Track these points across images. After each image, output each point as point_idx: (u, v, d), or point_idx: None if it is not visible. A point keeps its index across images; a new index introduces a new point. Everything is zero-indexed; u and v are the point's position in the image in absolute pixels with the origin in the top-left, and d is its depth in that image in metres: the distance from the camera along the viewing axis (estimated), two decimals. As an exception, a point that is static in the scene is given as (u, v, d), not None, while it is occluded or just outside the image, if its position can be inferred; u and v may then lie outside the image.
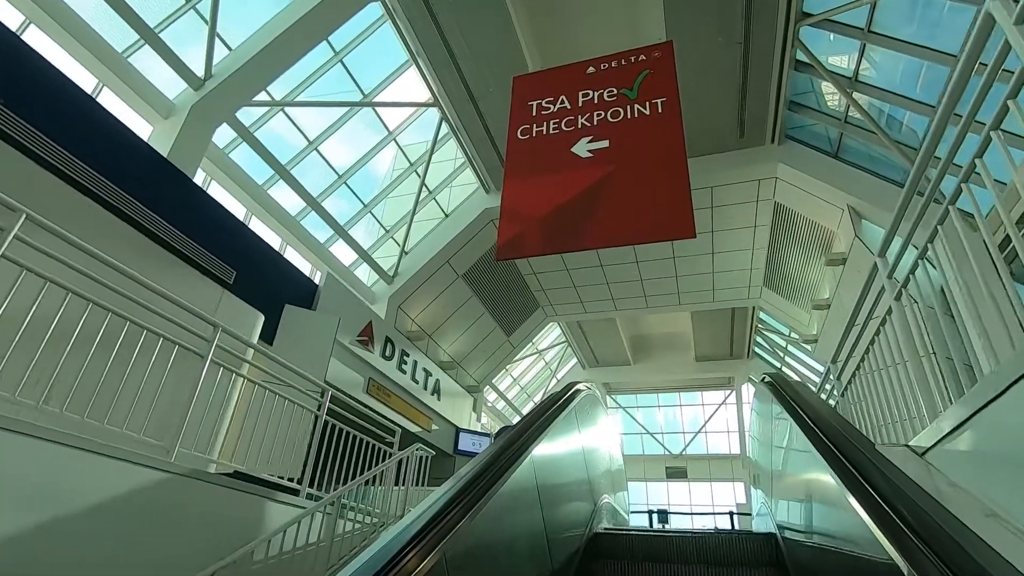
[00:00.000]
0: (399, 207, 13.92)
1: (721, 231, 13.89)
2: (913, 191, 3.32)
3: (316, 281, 7.57)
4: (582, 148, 5.85)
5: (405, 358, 9.26)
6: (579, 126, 6.04)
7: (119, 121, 5.34)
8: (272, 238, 10.70)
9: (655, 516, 11.83)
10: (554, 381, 23.98)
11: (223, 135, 9.51)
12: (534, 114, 6.40)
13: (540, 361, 22.90)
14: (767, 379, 3.73)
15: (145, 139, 8.15)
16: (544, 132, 6.19)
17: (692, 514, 21.09)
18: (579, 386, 3.65)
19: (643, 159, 5.64)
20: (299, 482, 4.27)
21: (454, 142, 12.97)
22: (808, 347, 16.23)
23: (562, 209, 5.57)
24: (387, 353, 8.79)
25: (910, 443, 2.56)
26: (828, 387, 6.44)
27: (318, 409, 4.70)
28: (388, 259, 13.54)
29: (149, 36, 7.88)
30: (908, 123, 9.56)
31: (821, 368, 17.79)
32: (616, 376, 24.69)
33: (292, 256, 11.18)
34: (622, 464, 4.03)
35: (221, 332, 3.73)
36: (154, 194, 5.21)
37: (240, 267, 5.96)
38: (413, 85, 11.47)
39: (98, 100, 7.56)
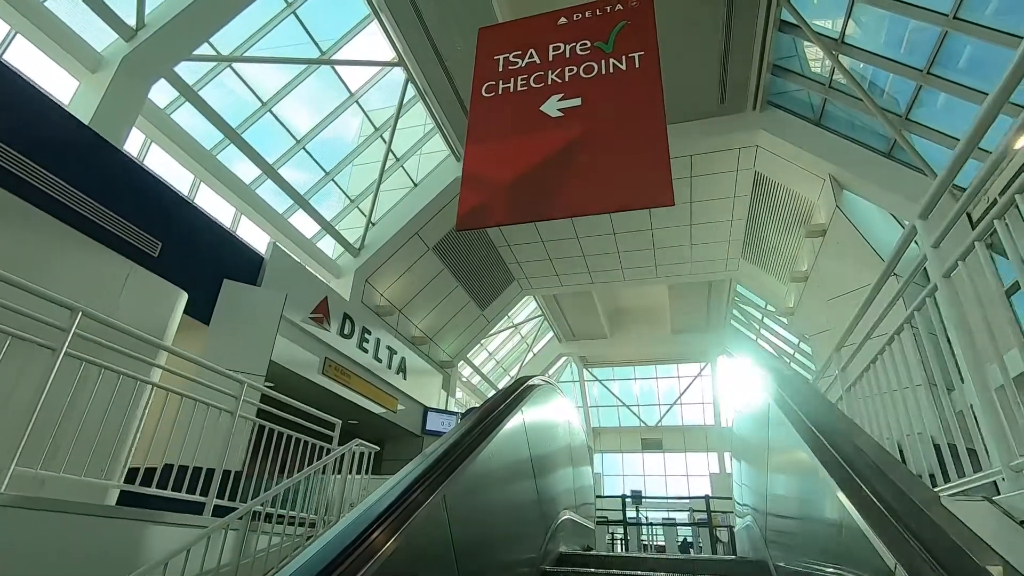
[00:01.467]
0: (365, 176, 13.20)
1: (699, 202, 13.52)
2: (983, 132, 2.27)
3: (262, 254, 6.91)
4: (552, 107, 5.31)
5: (367, 336, 8.72)
6: (549, 82, 5.48)
7: (8, 69, 4.58)
8: (225, 209, 9.97)
9: (628, 501, 11.56)
10: (530, 355, 23.74)
11: (164, 93, 8.69)
12: (500, 70, 5.81)
13: (516, 335, 22.59)
14: (766, 375, 2.85)
15: (68, 96, 7.36)
16: (511, 89, 5.62)
17: (667, 505, 21.21)
18: (533, 380, 3.04)
19: (618, 119, 5.14)
20: (206, 495, 3.55)
21: (422, 106, 12.24)
22: (784, 320, 16.16)
23: (529, 174, 5.06)
24: (346, 331, 8.23)
25: (994, 498, 1.90)
26: (826, 377, 5.98)
27: (250, 408, 4.04)
28: (354, 231, 12.87)
29: (69, -22, 7.00)
30: (890, 91, 9.21)
31: (795, 339, 17.82)
32: (593, 349, 24.55)
33: (249, 229, 10.47)
34: (589, 472, 3.48)
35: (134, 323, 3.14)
36: (56, 157, 4.50)
37: (168, 239, 5.30)
38: (376, 43, 10.66)
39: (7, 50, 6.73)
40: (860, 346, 4.22)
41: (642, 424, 27.31)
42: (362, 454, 4.53)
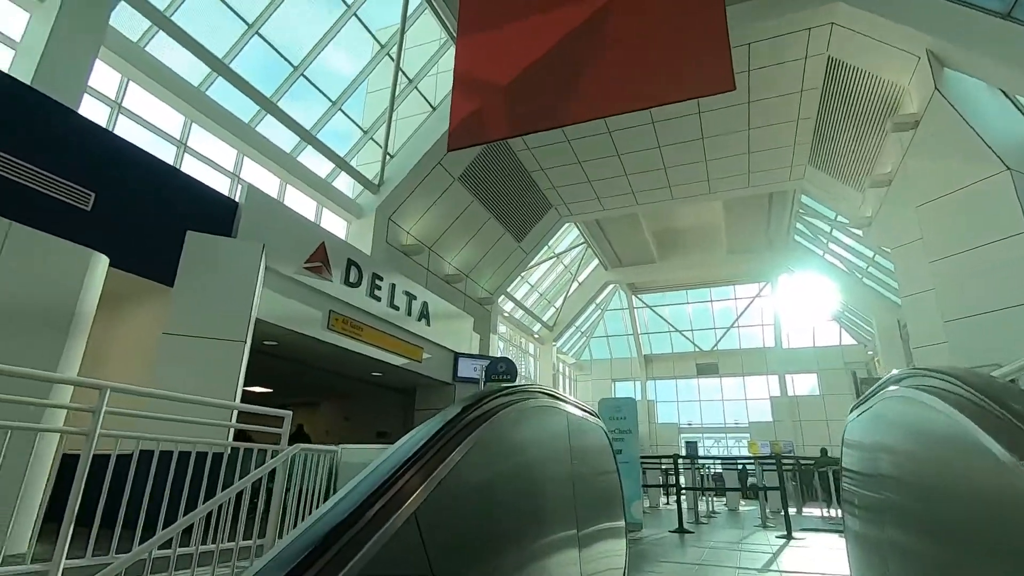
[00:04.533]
0: (377, 105, 12.01)
1: (759, 101, 11.64)
2: None
3: (237, 200, 6.02)
4: (566, -28, 3.97)
5: (378, 283, 7.91)
6: (561, -61, 4.10)
7: None
8: (223, 151, 9.12)
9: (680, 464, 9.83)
10: (575, 285, 22.74)
11: (135, 24, 7.67)
12: (498, -68, 4.44)
13: (559, 265, 21.53)
14: (943, 385, 1.58)
15: (19, 32, 6.47)
16: (512, -44, 4.28)
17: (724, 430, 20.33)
18: (492, 401, 1.62)
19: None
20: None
21: (431, 16, 10.74)
22: (858, 231, 14.34)
23: (546, 66, 3.84)
24: (351, 279, 7.42)
25: None
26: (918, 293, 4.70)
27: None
28: (372, 166, 11.88)
29: None
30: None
31: (869, 252, 15.96)
32: (641, 275, 23.26)
33: (253, 172, 9.64)
34: (613, 482, 2.37)
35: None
36: None
37: (105, 189, 4.45)
38: (368, -60, 9.15)
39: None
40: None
41: (696, 349, 26.26)
42: (306, 458, 3.56)
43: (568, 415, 2.08)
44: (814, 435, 22.09)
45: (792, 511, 9.11)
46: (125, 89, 7.62)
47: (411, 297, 8.73)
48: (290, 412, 3.40)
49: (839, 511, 9.58)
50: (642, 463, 9.78)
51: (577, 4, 3.91)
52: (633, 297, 25.94)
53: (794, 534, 6.94)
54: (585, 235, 19.81)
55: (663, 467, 12.80)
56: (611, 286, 24.78)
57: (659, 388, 26.78)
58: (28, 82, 5.71)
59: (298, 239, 6.66)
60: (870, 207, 12.17)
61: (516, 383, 9.20)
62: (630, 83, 3.67)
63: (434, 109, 12.03)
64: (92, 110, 6.92)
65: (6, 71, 5.91)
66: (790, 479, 11.98)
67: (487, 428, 1.59)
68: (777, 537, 6.88)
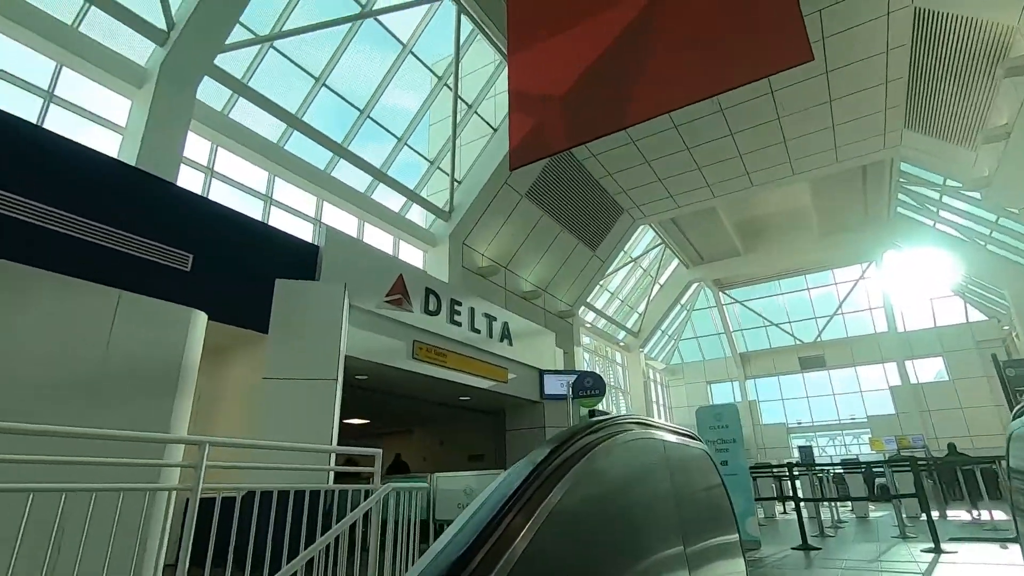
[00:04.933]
0: (441, 135, 12.32)
1: (839, 69, 10.75)
2: None
3: (317, 243, 6.31)
4: (613, -29, 3.82)
5: (457, 308, 7.99)
6: (604, -62, 3.97)
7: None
8: (303, 200, 9.67)
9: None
10: (657, 288, 21.98)
11: (217, 95, 8.35)
12: (539, -56, 4.38)
13: (638, 269, 20.94)
14: None
15: (124, 115, 7.22)
16: (556, -35, 4.19)
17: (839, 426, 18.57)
18: (582, 439, 1.38)
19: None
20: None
21: (483, 40, 10.92)
22: (975, 194, 12.79)
23: (596, 73, 3.70)
24: (431, 308, 7.53)
25: None
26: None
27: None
28: (441, 195, 12.17)
29: (90, -6, 6.67)
30: None
31: (991, 216, 14.17)
32: (726, 270, 22.10)
33: (333, 215, 10.15)
34: (721, 498, 2.12)
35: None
36: (74, 194, 4.08)
37: (201, 250, 4.81)
38: (416, -21, 9.46)
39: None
40: None
41: (797, 342, 24.45)
42: (399, 494, 3.47)
43: (665, 443, 1.90)
44: (947, 426, 19.73)
45: (934, 515, 8.07)
46: (215, 155, 8.29)
47: (491, 319, 8.76)
48: (379, 450, 3.42)
49: (991, 514, 8.39)
50: (753, 473, 9.11)
51: (629, 3, 3.75)
52: (720, 293, 24.68)
53: (943, 546, 6.10)
54: (662, 235, 19.15)
55: (775, 474, 11.88)
56: (695, 285, 23.73)
57: (760, 387, 25.14)
58: (134, 162, 6.35)
59: (377, 274, 6.88)
60: (986, 165, 10.82)
61: (604, 396, 8.93)
62: (693, 72, 3.44)
63: (495, 131, 12.16)
64: (188, 177, 7.57)
65: (114, 155, 6.61)
66: (927, 478, 10.70)
67: (579, 468, 1.46)
68: (923, 551, 6.07)
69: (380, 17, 9.47)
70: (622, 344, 21.92)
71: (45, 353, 3.02)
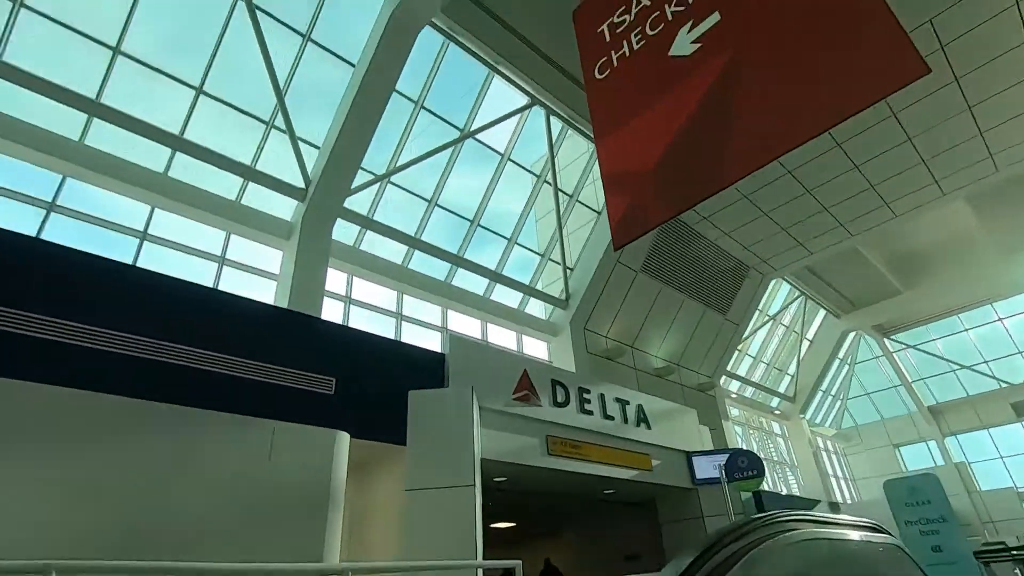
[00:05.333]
0: (548, 227, 12.76)
1: (969, 74, 9.67)
2: None
3: (443, 351, 6.62)
4: (684, 43, 3.88)
5: (586, 396, 7.73)
6: (669, 18, 4.08)
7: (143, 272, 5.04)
8: (430, 311, 10.34)
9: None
10: (805, 344, 19.82)
11: (347, 232, 9.47)
12: (608, 39, 4.62)
13: (779, 327, 19.15)
14: None
15: (278, 264, 8.39)
16: (627, 53, 4.36)
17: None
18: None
19: (785, 8, 3.48)
20: None
21: (574, 135, 11.48)
22: None
23: (687, 139, 3.66)
24: (559, 399, 7.37)
25: None
26: None
27: None
28: (554, 285, 12.37)
29: (248, 174, 8.11)
30: None
31: None
32: (887, 313, 19.43)
33: (458, 321, 10.69)
34: None
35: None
36: (239, 340, 4.80)
37: (343, 372, 5.27)
38: (502, 95, 10.37)
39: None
40: None
41: (1002, 384, 20.23)
42: None
43: (836, 542, 1.56)
44: None
45: None
46: (351, 283, 9.27)
47: (623, 403, 8.36)
48: (519, 561, 3.26)
49: None
50: (984, 558, 7.30)
51: (697, 70, 3.74)
52: (885, 340, 21.56)
53: None
54: (799, 287, 17.55)
55: (1016, 556, 9.42)
56: (852, 335, 21.06)
57: (965, 444, 20.81)
58: (286, 302, 7.28)
59: (502, 372, 6.98)
60: None
61: (763, 476, 7.88)
62: (790, 115, 3.27)
63: (598, 214, 12.35)
64: (329, 307, 8.46)
65: (271, 300, 7.61)
66: None
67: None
68: None
69: (478, 136, 10.39)
70: (778, 412, 19.67)
71: (214, 485, 3.41)
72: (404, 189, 9.99)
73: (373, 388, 5.55)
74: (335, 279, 9.03)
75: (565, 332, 11.53)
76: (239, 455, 3.64)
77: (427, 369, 6.28)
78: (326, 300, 8.15)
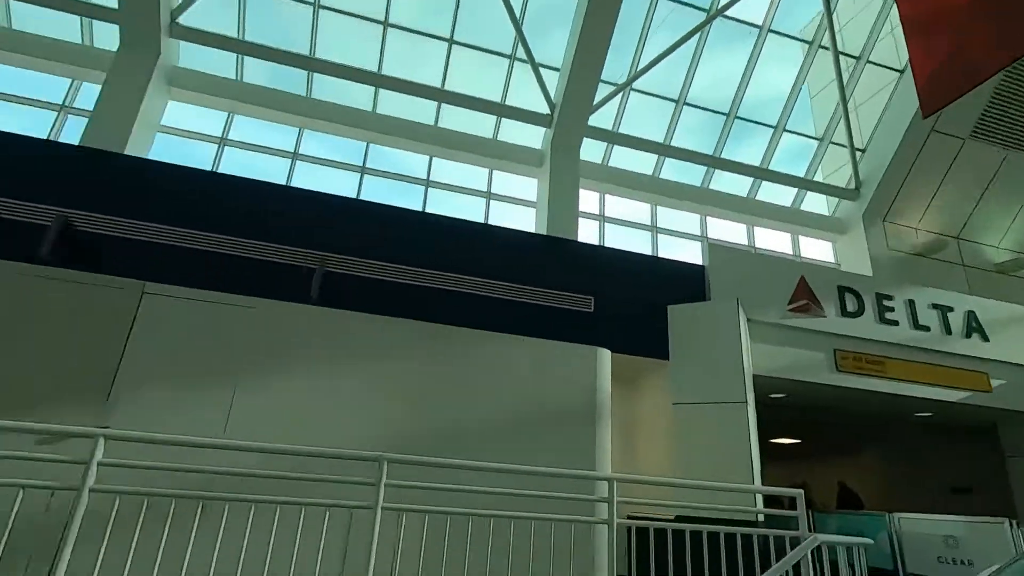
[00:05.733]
0: (824, 108, 10.56)
1: None
2: None
3: (702, 263, 6.10)
4: None
5: (887, 303, 6.25)
6: None
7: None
8: (688, 221, 9.80)
9: None
10: None
11: (595, 149, 9.45)
12: None
13: None
14: None
15: (534, 194, 8.95)
16: None
17: None
18: None
19: None
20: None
21: (859, -26, 8.98)
22: None
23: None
24: (849, 308, 6.12)
25: None
26: None
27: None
28: (839, 174, 10.35)
29: (499, 110, 8.69)
30: None
31: None
32: None
33: (719, 228, 9.91)
34: None
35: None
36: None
37: (600, 290, 5.37)
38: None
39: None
40: None
41: None
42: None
43: None
44: None
45: None
46: (603, 202, 9.36)
47: (944, 310, 6.65)
48: (800, 491, 2.97)
49: None
50: None
51: None
52: None
53: None
54: None
55: None
56: None
57: None
58: (544, 228, 7.79)
59: (773, 281, 6.23)
60: None
61: None
62: None
63: (901, 73, 9.66)
64: (584, 228, 8.73)
65: (531, 228, 8.21)
66: None
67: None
68: None
69: (728, 12, 8.99)
70: None
71: (488, 400, 3.98)
72: (648, 94, 9.41)
73: (631, 304, 5.64)
74: (588, 199, 9.21)
75: (856, 228, 9.66)
76: (512, 371, 4.15)
77: (687, 282, 6.06)
78: (581, 220, 8.43)
